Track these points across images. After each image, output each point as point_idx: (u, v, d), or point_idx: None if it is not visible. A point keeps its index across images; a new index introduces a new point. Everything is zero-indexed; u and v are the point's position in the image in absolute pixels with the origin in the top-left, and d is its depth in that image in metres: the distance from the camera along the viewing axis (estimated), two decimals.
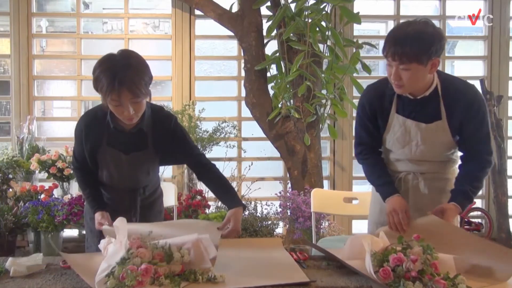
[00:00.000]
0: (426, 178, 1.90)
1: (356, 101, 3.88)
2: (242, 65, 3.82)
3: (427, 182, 1.90)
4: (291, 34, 3.50)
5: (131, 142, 1.87)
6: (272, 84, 3.73)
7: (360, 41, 3.54)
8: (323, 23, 3.51)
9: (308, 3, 3.52)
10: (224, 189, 1.93)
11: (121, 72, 1.63)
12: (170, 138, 1.91)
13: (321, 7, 3.43)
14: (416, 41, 1.63)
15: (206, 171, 1.95)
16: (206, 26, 4.11)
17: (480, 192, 4.49)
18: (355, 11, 3.53)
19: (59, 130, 4.24)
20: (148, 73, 1.73)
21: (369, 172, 1.96)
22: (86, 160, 1.91)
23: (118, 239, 1.53)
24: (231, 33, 3.83)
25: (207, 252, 1.51)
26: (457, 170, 1.91)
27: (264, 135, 3.76)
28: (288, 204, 3.33)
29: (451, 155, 1.90)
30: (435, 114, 1.80)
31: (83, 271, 1.51)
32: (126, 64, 1.66)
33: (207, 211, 3.61)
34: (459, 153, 1.93)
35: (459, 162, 1.91)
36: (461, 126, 1.79)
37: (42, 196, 3.59)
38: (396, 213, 1.76)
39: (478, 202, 4.15)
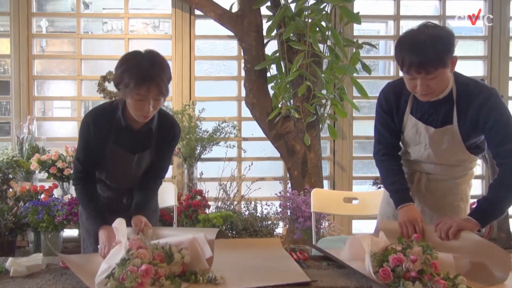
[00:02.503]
0: (429, 179, 1.90)
1: (356, 101, 3.91)
2: (242, 65, 3.83)
3: (430, 183, 1.90)
4: (291, 34, 3.50)
5: (138, 142, 1.87)
6: (272, 84, 3.73)
7: (360, 41, 3.54)
8: (323, 23, 3.50)
9: (308, 3, 3.52)
10: (146, 197, 1.94)
11: (151, 68, 1.67)
12: (166, 144, 1.92)
13: (321, 7, 3.43)
14: (437, 45, 1.59)
15: (150, 179, 1.97)
16: (206, 26, 4.11)
17: (480, 192, 4.50)
18: (355, 11, 3.53)
19: (59, 130, 4.24)
20: (170, 72, 1.77)
21: (384, 177, 1.94)
22: (91, 161, 1.87)
23: (117, 239, 1.53)
24: (231, 33, 3.83)
25: (203, 252, 1.51)
26: (471, 176, 1.90)
27: (264, 135, 3.76)
28: (288, 204, 3.34)
29: (463, 160, 1.85)
30: (447, 118, 1.76)
31: (82, 272, 1.51)
32: (154, 61, 1.71)
33: (207, 211, 3.61)
34: (477, 160, 1.90)
35: (475, 167, 1.89)
36: (476, 130, 1.73)
37: (42, 196, 3.59)
38: (410, 224, 1.73)
39: None
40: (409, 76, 1.66)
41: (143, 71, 1.66)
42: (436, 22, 4.07)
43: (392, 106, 1.87)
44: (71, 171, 3.60)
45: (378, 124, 1.94)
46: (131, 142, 1.86)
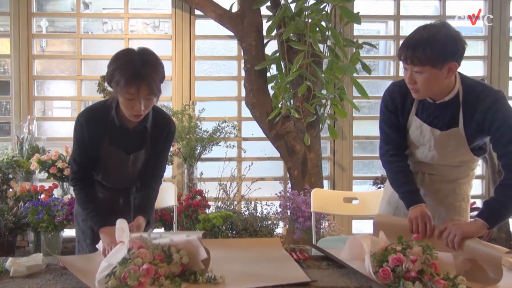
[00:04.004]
0: (432, 179, 1.90)
1: (356, 101, 3.91)
2: (242, 65, 3.83)
3: (432, 183, 1.90)
4: (291, 34, 3.50)
5: (133, 141, 1.85)
6: (272, 84, 3.73)
7: (360, 41, 3.55)
8: (323, 23, 3.51)
9: (308, 3, 3.52)
10: (147, 197, 1.90)
11: (142, 67, 1.64)
12: (161, 142, 1.90)
13: (321, 7, 3.43)
14: (429, 44, 1.60)
15: (150, 179, 1.93)
16: (206, 26, 4.12)
17: (479, 192, 4.50)
18: (355, 11, 3.53)
19: (59, 130, 4.24)
20: (163, 72, 1.74)
21: (393, 178, 1.92)
22: (86, 161, 1.84)
23: (120, 239, 1.53)
24: (231, 33, 3.83)
25: (198, 253, 1.50)
26: (473, 176, 1.91)
27: (264, 135, 3.76)
28: (288, 204, 3.34)
29: (466, 161, 1.86)
30: (452, 120, 1.76)
31: (81, 272, 1.51)
32: (146, 60, 1.67)
33: (207, 211, 3.61)
34: (478, 161, 1.91)
35: (476, 168, 1.91)
36: (482, 133, 1.73)
37: (42, 196, 3.59)
38: (422, 221, 1.72)
39: (478, 202, 4.15)
40: (403, 65, 1.70)
41: (134, 69, 1.62)
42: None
43: (397, 107, 1.86)
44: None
45: (384, 124, 1.92)
46: (126, 141, 1.83)
